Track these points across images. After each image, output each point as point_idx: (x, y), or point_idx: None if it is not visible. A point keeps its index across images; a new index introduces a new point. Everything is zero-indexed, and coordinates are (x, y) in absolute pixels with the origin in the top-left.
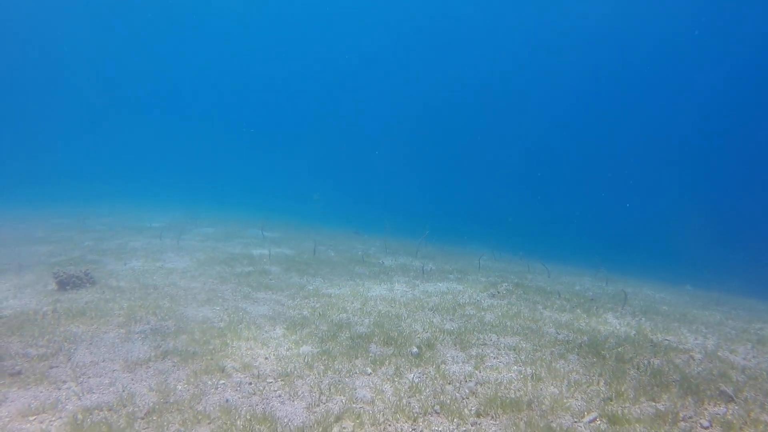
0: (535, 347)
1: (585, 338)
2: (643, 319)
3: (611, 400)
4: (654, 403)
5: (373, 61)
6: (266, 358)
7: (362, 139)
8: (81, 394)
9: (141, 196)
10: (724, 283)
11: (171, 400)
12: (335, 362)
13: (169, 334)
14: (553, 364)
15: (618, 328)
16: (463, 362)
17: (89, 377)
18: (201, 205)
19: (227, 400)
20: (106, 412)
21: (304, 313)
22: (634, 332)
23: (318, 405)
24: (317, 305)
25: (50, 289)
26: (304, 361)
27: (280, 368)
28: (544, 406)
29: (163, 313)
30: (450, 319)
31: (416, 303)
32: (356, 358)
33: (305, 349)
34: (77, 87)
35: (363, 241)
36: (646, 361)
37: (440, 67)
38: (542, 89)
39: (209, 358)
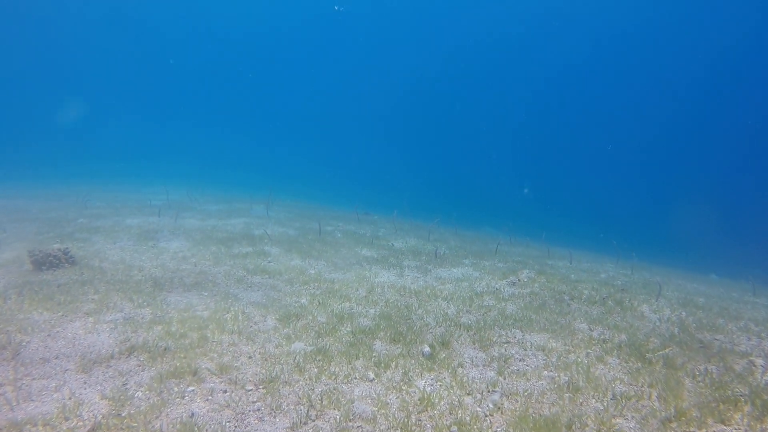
0: (567, 347)
1: (623, 336)
2: (683, 313)
3: (671, 422)
4: (725, 427)
5: (378, 44)
6: (250, 357)
7: (375, 123)
8: (16, 403)
9: (150, 175)
10: (746, 271)
11: (124, 413)
12: (331, 364)
13: (143, 325)
14: (592, 370)
15: (658, 324)
16: (483, 365)
17: (33, 379)
18: (208, 184)
19: (192, 415)
20: (40, 428)
21: (302, 301)
22: (677, 329)
23: (305, 423)
24: (317, 292)
25: (25, 269)
26: (294, 361)
27: (264, 371)
28: (588, 428)
29: (142, 298)
30: (467, 311)
31: (428, 291)
32: (357, 358)
33: (298, 346)
34: (97, 75)
35: (373, 222)
36: (701, 368)
37: (449, 49)
38: (555, 76)
39: (182, 356)
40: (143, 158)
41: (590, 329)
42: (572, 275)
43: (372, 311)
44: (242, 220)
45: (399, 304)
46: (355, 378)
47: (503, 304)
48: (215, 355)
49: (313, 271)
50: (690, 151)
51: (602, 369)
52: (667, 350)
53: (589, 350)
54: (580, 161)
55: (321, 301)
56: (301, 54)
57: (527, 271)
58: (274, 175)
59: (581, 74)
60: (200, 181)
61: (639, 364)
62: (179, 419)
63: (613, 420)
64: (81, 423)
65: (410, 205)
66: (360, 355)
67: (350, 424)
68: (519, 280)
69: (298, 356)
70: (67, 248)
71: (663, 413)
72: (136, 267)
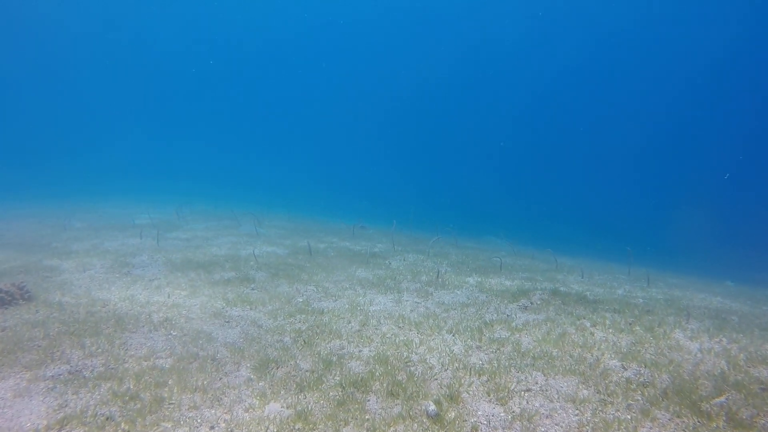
0: (600, 395)
1: (665, 377)
2: (724, 339)
3: None
4: None
5: (374, 51)
6: (212, 428)
7: (368, 133)
8: None
9: (139, 192)
10: (756, 276)
11: None
12: None
13: (89, 382)
14: (639, 431)
15: (699, 356)
16: (503, 428)
17: None
18: (201, 198)
19: None
20: None
21: (285, 339)
22: (724, 362)
23: None
24: (304, 327)
25: None
26: None
27: None
28: None
29: (97, 343)
30: (476, 347)
31: (431, 321)
32: (346, 424)
33: (273, 408)
34: (85, 86)
35: (368, 237)
36: None
37: (444, 56)
38: (551, 79)
39: (126, 429)
40: (136, 174)
41: (623, 367)
42: (587, 293)
43: (366, 351)
44: (229, 239)
45: (397, 340)
46: None
47: (517, 335)
48: (169, 426)
49: (301, 300)
50: (691, 151)
51: (652, 429)
52: (724, 397)
53: (630, 400)
54: (579, 164)
55: (306, 340)
56: (295, 64)
57: (539, 292)
58: (268, 188)
59: (578, 78)
60: (192, 196)
61: (695, 420)
62: None
63: None
64: None
65: (407, 214)
66: (350, 418)
67: None
68: (531, 304)
69: (271, 425)
70: (22, 283)
71: None
72: (101, 301)
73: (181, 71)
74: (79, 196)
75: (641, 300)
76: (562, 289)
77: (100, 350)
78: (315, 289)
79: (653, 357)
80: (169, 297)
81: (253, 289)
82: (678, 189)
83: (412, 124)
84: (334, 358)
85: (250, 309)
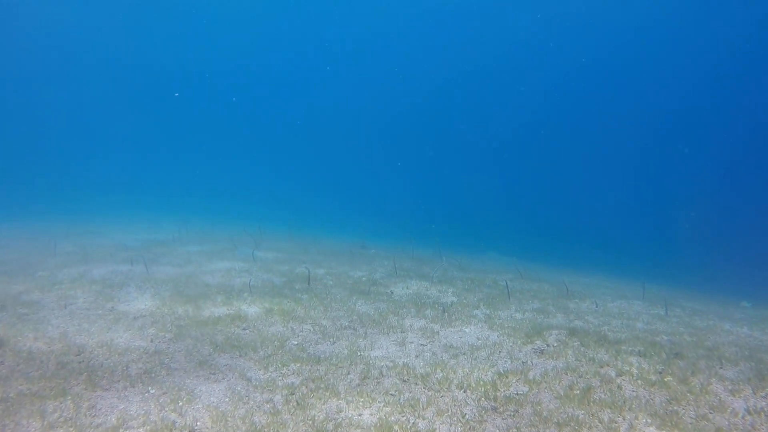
0: None
1: None
2: None
3: None
4: None
5: (371, 66)
6: None
7: (369, 147)
8: None
9: (138, 209)
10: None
11: None
12: None
13: None
14: None
15: (749, 420)
16: None
17: None
18: (199, 216)
19: None
20: None
21: (275, 399)
22: None
23: None
24: (297, 381)
25: None
26: None
27: None
28: None
29: (61, 409)
30: (492, 409)
31: (439, 373)
32: None
33: None
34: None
35: (369, 259)
36: None
37: (438, 68)
38: (550, 96)
39: None
40: (134, 191)
41: None
42: (606, 329)
43: (366, 415)
44: (224, 265)
45: (402, 398)
46: None
47: (536, 391)
48: None
49: (296, 343)
50: (695, 160)
51: None
52: None
53: None
54: (578, 175)
55: (299, 400)
56: (296, 71)
57: (555, 331)
58: (270, 203)
59: (580, 88)
60: (191, 212)
61: None
62: None
63: None
64: None
65: (409, 229)
66: None
67: None
68: (548, 346)
69: None
70: None
71: None
72: (76, 347)
73: (185, 85)
74: (76, 215)
75: (666, 338)
76: (578, 324)
77: (62, 419)
78: (311, 329)
79: (695, 422)
80: (151, 342)
81: (244, 329)
82: (682, 199)
83: (412, 137)
84: (330, 427)
85: (240, 356)
